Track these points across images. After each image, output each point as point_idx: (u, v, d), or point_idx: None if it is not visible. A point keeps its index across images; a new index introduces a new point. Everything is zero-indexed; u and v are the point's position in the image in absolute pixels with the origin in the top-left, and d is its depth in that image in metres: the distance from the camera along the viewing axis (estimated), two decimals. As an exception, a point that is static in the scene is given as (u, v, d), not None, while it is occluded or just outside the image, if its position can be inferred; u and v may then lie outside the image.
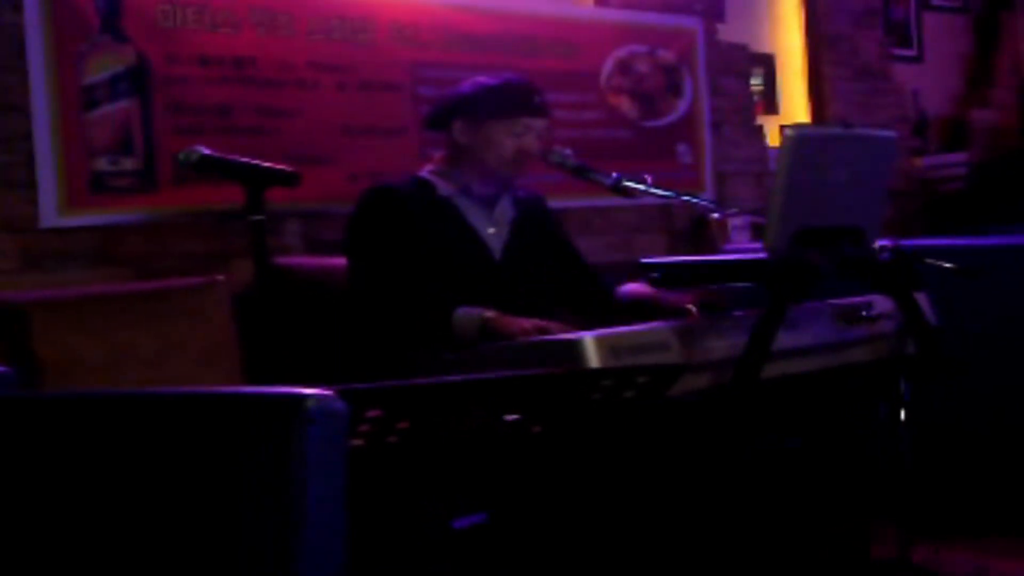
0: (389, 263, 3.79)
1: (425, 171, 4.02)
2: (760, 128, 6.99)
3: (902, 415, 3.47)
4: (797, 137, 3.18)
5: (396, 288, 3.76)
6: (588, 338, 2.95)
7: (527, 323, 3.55)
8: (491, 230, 3.96)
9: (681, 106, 6.41)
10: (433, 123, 4.07)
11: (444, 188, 3.96)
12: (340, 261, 3.96)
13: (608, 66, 6.07)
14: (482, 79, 4.02)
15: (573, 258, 4.20)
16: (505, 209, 4.03)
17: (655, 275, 3.44)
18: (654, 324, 3.25)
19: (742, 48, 6.93)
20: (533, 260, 4.02)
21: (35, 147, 4.22)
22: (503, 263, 3.93)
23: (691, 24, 6.51)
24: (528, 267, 3.98)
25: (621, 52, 6.13)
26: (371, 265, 3.82)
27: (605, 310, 4.02)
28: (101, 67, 4.39)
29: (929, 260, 3.49)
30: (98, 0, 4.38)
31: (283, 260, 4.45)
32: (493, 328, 3.57)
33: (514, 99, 3.94)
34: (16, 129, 4.20)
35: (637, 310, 3.84)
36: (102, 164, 4.38)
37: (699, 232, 6.38)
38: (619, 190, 3.79)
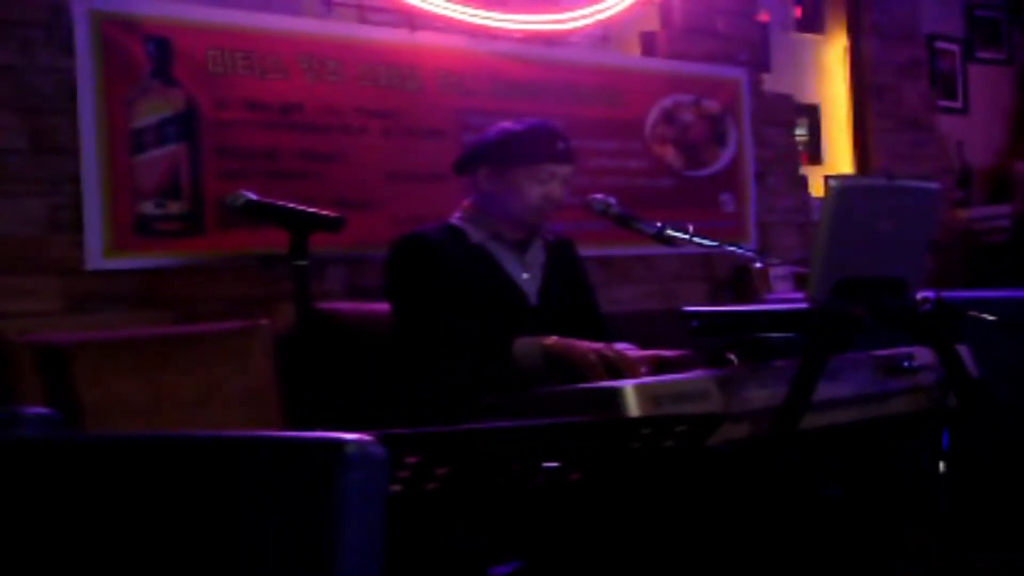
0: (434, 305, 3.80)
1: (455, 218, 4.00)
2: (804, 178, 6.99)
3: (941, 467, 3.45)
4: (841, 188, 3.18)
5: (448, 328, 3.76)
6: (629, 387, 2.95)
7: (590, 347, 3.55)
8: (525, 275, 3.95)
9: (725, 156, 6.41)
10: (460, 169, 4.06)
11: (475, 235, 3.94)
12: (382, 307, 3.97)
13: (653, 115, 6.09)
14: (507, 125, 3.99)
15: (587, 306, 4.17)
16: (537, 253, 4.01)
17: (695, 324, 3.44)
18: (695, 373, 3.25)
19: (787, 98, 6.93)
20: (565, 303, 4.02)
21: (82, 189, 4.25)
22: (538, 307, 3.93)
23: (736, 74, 6.52)
24: (562, 310, 3.97)
25: (666, 101, 6.15)
26: (418, 308, 3.82)
27: None
28: (150, 111, 4.43)
29: (971, 312, 3.48)
30: (149, 45, 4.42)
31: (325, 305, 4.47)
32: (557, 354, 3.57)
33: (538, 146, 3.90)
34: (64, 171, 4.24)
35: None
36: (148, 207, 4.41)
37: (741, 281, 6.37)
38: (662, 239, 3.77)
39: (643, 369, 3.62)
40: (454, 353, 3.71)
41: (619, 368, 3.51)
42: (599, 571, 3.02)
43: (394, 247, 3.95)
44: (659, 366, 3.56)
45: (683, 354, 3.62)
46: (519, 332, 3.73)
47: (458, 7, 5.34)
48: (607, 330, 4.09)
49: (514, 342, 3.65)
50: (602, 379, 3.40)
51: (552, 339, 3.62)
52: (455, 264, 3.85)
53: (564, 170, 3.91)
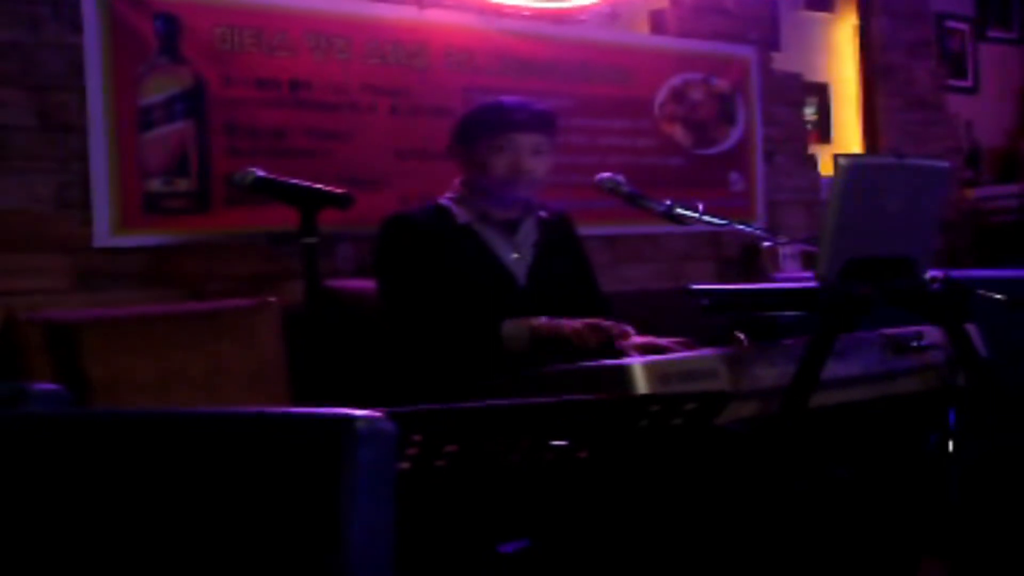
0: (422, 287, 3.80)
1: (445, 198, 4.01)
2: (813, 157, 6.98)
3: (950, 447, 3.45)
4: (850, 167, 3.17)
5: (436, 310, 3.76)
6: (637, 364, 2.95)
7: (577, 323, 3.55)
8: (514, 255, 3.94)
9: (734, 134, 6.40)
10: (448, 151, 4.08)
11: (462, 215, 3.93)
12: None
13: (662, 93, 6.07)
14: (478, 104, 4.03)
15: (585, 284, 4.16)
16: (528, 232, 4.00)
17: (704, 302, 3.43)
18: (703, 351, 3.25)
19: (796, 77, 6.92)
20: (559, 282, 4.00)
21: (90, 167, 4.25)
22: (528, 288, 3.91)
23: (745, 53, 6.51)
24: (554, 289, 3.95)
25: (675, 80, 6.13)
26: (403, 291, 3.82)
27: None
28: (158, 88, 4.43)
29: (980, 291, 3.47)
30: (157, 22, 4.41)
31: (334, 283, 4.47)
32: (544, 334, 3.57)
33: (495, 116, 3.91)
34: (72, 149, 4.23)
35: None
36: (156, 185, 4.41)
37: (750, 260, 6.37)
38: (671, 217, 3.76)
39: (633, 336, 3.63)
40: (442, 338, 3.72)
41: (610, 334, 3.52)
42: (607, 549, 3.03)
43: (381, 228, 3.95)
44: (653, 352, 3.56)
45: (679, 342, 3.62)
46: (508, 313, 3.73)
47: (466, -16, 5.33)
48: (607, 307, 4.08)
49: (502, 324, 3.65)
50: (594, 347, 3.42)
51: (540, 320, 3.62)
52: (441, 245, 3.85)
53: (527, 139, 3.88)
